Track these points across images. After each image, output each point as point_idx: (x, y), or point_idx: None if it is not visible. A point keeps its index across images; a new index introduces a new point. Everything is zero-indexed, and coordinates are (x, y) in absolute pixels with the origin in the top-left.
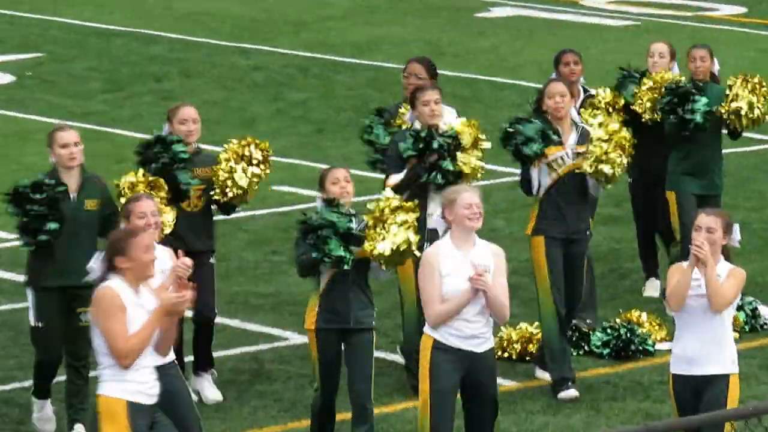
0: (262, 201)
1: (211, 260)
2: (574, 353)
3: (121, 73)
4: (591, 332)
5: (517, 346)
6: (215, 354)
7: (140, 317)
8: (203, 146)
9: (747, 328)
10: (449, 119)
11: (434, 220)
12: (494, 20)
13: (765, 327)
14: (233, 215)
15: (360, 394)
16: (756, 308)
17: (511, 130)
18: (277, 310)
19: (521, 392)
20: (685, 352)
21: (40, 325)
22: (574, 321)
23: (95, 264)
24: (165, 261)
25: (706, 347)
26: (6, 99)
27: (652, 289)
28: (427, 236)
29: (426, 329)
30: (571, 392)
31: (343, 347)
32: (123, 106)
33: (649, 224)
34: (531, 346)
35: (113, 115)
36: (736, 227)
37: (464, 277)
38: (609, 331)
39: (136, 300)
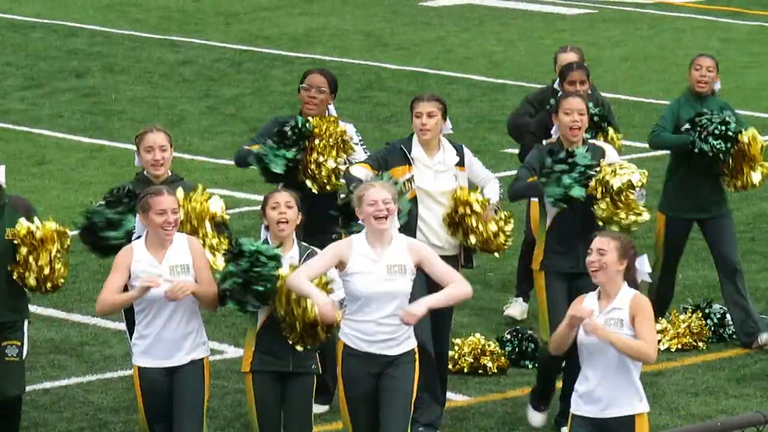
0: None
1: None
2: (530, 366)
3: (40, 69)
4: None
5: (470, 359)
6: None
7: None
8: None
9: (714, 338)
10: (350, 132)
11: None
12: (440, 9)
13: (733, 337)
14: None
15: None
16: (724, 316)
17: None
18: (212, 322)
19: (474, 408)
20: (588, 390)
21: None
22: (529, 331)
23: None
24: (179, 252)
25: (609, 386)
26: None
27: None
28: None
29: (340, 334)
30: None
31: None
32: (43, 104)
33: None
34: (484, 358)
35: (33, 113)
36: (644, 258)
37: (374, 279)
38: None
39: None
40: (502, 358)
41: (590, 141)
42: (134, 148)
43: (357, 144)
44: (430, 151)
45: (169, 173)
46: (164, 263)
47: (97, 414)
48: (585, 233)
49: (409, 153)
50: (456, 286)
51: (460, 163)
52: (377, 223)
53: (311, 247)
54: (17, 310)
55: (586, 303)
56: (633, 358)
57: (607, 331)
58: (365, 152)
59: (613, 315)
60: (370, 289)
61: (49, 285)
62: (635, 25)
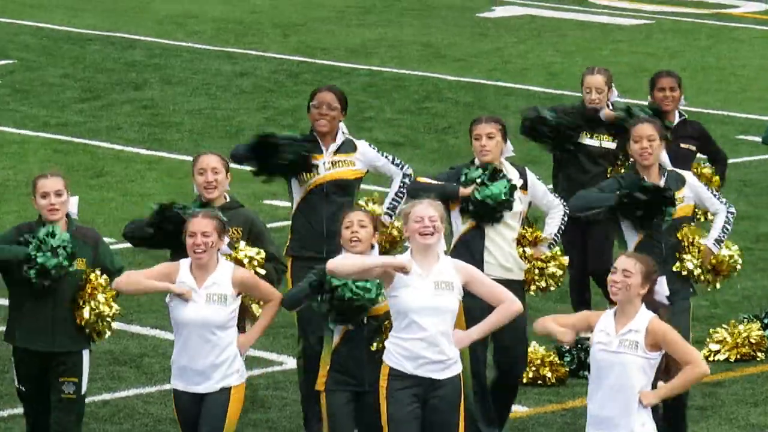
0: None
1: None
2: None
3: (98, 81)
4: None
5: (530, 370)
6: None
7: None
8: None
9: None
10: (363, 148)
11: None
12: (498, 20)
13: None
14: None
15: None
16: None
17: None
18: (271, 334)
19: (533, 419)
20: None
21: (22, 388)
22: (588, 342)
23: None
24: (221, 281)
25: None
26: None
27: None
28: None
29: (385, 358)
30: None
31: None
32: (101, 116)
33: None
34: (543, 369)
35: (91, 125)
36: (662, 280)
37: (422, 294)
38: None
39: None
40: (562, 368)
41: (670, 169)
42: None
43: (378, 155)
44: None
45: (227, 198)
46: (203, 289)
47: (157, 425)
48: (667, 263)
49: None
50: (504, 306)
51: (523, 186)
52: (422, 239)
53: None
54: (77, 341)
55: (604, 321)
56: (694, 384)
57: (661, 392)
58: (393, 162)
59: (629, 336)
60: (418, 303)
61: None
62: (693, 35)
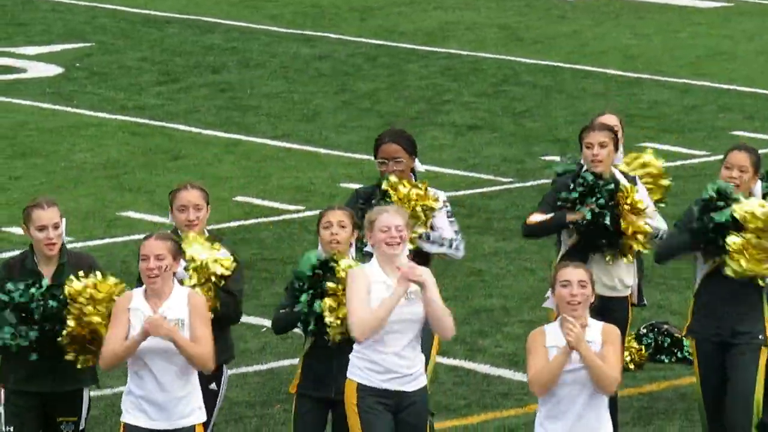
0: (331, 199)
1: None
2: (666, 360)
3: (176, 64)
4: (683, 338)
5: None
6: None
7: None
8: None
9: None
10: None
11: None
12: (575, 3)
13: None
14: (299, 214)
15: None
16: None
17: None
18: None
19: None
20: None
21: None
22: (665, 326)
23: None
24: (177, 304)
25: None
26: (54, 92)
27: None
28: None
29: (348, 373)
30: None
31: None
32: (178, 99)
33: None
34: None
35: (168, 108)
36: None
37: (397, 307)
38: None
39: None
40: (640, 353)
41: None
42: (271, 142)
43: (445, 214)
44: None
45: (205, 233)
46: (158, 314)
47: (233, 408)
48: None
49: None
50: (444, 327)
51: None
52: (389, 249)
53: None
54: (79, 380)
55: (552, 336)
56: (596, 381)
57: (584, 345)
58: (452, 224)
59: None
60: (394, 316)
61: (86, 356)
62: None
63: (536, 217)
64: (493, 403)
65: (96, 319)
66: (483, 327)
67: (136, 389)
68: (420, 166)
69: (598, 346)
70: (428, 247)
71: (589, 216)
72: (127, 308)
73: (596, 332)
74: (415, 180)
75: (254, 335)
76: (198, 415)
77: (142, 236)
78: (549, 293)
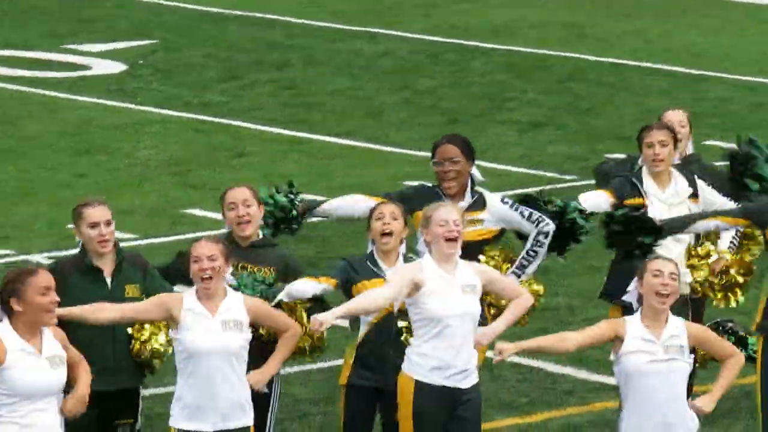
0: None
1: None
2: None
3: (239, 61)
4: (747, 336)
5: None
6: None
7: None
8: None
9: None
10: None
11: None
12: (640, 0)
13: None
14: None
15: None
16: None
17: None
18: None
19: None
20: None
21: None
22: (730, 324)
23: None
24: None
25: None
26: (118, 89)
27: None
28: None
29: (404, 368)
30: None
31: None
32: (242, 96)
33: None
34: None
35: (232, 105)
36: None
37: (451, 299)
38: None
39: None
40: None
41: None
42: (334, 140)
43: (510, 211)
44: (661, 183)
45: (260, 235)
46: (217, 316)
47: (297, 405)
48: None
49: (641, 186)
50: (520, 301)
51: (694, 195)
52: (447, 244)
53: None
54: (136, 377)
55: (633, 328)
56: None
57: (717, 394)
58: (528, 219)
59: (672, 342)
60: (449, 309)
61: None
62: None
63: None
64: (556, 401)
65: (158, 346)
66: (547, 325)
67: (188, 392)
68: (479, 176)
69: (684, 340)
70: (536, 263)
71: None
72: (170, 306)
73: (679, 326)
74: (472, 186)
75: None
76: (249, 416)
77: (207, 233)
78: (632, 286)
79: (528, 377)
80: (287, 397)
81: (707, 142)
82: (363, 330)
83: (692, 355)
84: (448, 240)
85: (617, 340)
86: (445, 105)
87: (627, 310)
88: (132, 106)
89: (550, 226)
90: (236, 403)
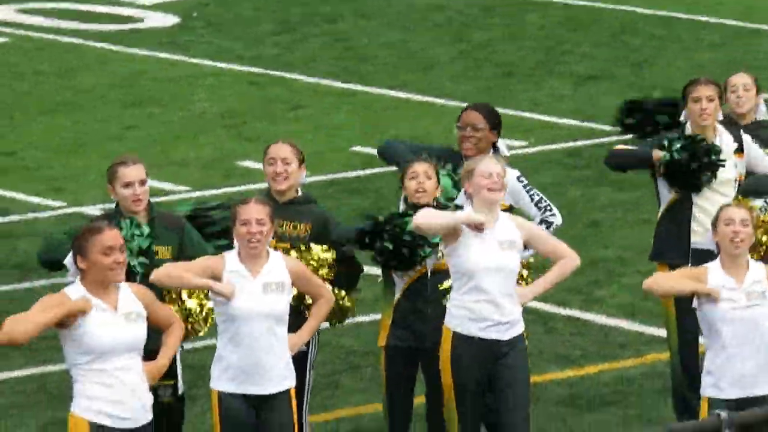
0: None
1: None
2: None
3: (292, 14)
4: None
5: None
6: None
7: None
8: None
9: None
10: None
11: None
12: None
13: None
14: None
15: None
16: None
17: None
18: None
19: None
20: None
21: None
22: None
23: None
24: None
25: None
26: (170, 42)
27: None
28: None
29: (446, 320)
30: None
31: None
32: (295, 49)
33: None
34: None
35: (285, 58)
36: None
37: (488, 252)
38: None
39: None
40: None
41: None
42: (387, 92)
43: (523, 191)
44: (707, 137)
45: (299, 192)
46: (259, 278)
47: (348, 357)
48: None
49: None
50: (565, 261)
51: (739, 150)
52: (490, 194)
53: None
54: None
55: (716, 276)
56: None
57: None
58: (536, 204)
59: (755, 288)
60: (484, 263)
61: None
62: None
63: (623, 147)
64: (611, 354)
65: (194, 307)
66: (599, 277)
67: (229, 355)
68: (505, 150)
69: (765, 285)
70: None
71: (668, 158)
72: (214, 269)
73: (760, 271)
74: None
75: (369, 285)
76: (291, 379)
77: (260, 186)
78: (708, 236)
79: (582, 330)
80: (338, 349)
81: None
82: (397, 294)
83: None
84: (491, 190)
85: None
86: (499, 58)
87: (673, 268)
88: (185, 58)
89: (556, 218)
90: (277, 366)
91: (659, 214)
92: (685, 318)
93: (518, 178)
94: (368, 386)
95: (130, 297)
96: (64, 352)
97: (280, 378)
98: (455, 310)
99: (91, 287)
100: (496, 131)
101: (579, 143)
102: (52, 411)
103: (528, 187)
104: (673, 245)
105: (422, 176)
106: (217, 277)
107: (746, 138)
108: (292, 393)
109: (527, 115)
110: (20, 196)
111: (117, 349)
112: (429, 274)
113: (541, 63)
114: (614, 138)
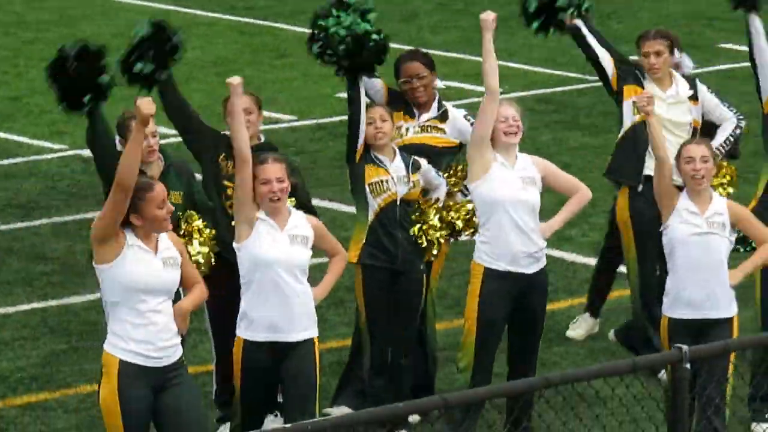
0: None
1: None
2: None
3: None
4: None
5: None
6: None
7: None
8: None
9: None
10: (456, 115)
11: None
12: None
13: None
14: None
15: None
16: None
17: None
18: None
19: None
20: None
21: None
22: None
23: None
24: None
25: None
26: None
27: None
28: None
29: (476, 256)
30: None
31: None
32: (286, 1)
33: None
34: None
35: (275, 9)
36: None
37: (512, 185)
38: None
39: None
40: None
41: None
42: None
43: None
44: (661, 85)
45: (261, 139)
46: (285, 231)
47: (333, 292)
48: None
49: (643, 80)
50: (580, 194)
51: (694, 97)
52: (507, 138)
53: (414, 157)
54: None
55: (683, 201)
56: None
57: (744, 271)
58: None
59: (716, 219)
60: (505, 196)
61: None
62: None
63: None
64: (579, 290)
65: (200, 258)
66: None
67: (258, 306)
68: (439, 83)
69: (725, 219)
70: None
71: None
72: (253, 215)
73: (722, 205)
74: (440, 99)
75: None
76: (314, 329)
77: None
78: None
79: (552, 267)
80: None
81: (721, 45)
82: (371, 216)
83: (734, 234)
84: (507, 133)
85: (670, 208)
86: (476, 9)
87: (632, 189)
88: (179, 8)
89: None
90: (302, 315)
91: (619, 135)
92: (646, 262)
93: (465, 116)
94: (352, 320)
95: (168, 243)
96: (101, 290)
97: (305, 326)
98: (483, 246)
99: (137, 233)
100: (434, 71)
101: (551, 90)
102: (52, 344)
103: (473, 122)
104: (628, 167)
105: (378, 121)
106: (253, 223)
107: (701, 87)
108: (316, 342)
109: (502, 63)
110: (24, 139)
111: (153, 290)
112: (399, 201)
113: (514, 14)
114: (584, 86)
